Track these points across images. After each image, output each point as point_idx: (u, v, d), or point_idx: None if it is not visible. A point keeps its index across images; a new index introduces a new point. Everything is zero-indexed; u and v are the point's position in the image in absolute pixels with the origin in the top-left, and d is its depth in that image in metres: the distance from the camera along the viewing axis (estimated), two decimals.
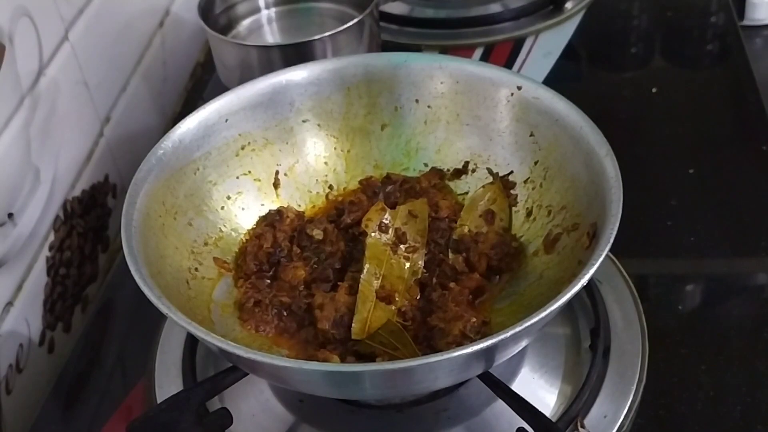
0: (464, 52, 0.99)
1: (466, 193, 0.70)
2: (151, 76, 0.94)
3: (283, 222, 0.67)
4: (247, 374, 0.57)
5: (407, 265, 0.63)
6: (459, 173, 0.70)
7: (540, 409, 0.54)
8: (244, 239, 0.68)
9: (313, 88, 0.71)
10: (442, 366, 0.49)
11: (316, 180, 0.72)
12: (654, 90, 0.93)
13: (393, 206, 0.66)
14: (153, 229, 0.60)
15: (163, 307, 0.52)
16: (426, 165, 0.72)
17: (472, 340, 0.54)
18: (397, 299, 0.61)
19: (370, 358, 0.58)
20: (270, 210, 0.69)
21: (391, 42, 0.99)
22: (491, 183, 0.68)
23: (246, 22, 0.96)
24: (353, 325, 0.59)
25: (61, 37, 0.76)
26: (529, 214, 0.66)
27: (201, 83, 1.06)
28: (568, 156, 0.62)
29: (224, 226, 0.67)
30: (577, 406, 0.59)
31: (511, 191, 0.67)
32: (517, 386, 0.61)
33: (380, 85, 0.72)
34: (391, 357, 0.57)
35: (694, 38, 1.04)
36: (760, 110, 0.87)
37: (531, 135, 0.66)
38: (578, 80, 0.97)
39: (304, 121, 0.72)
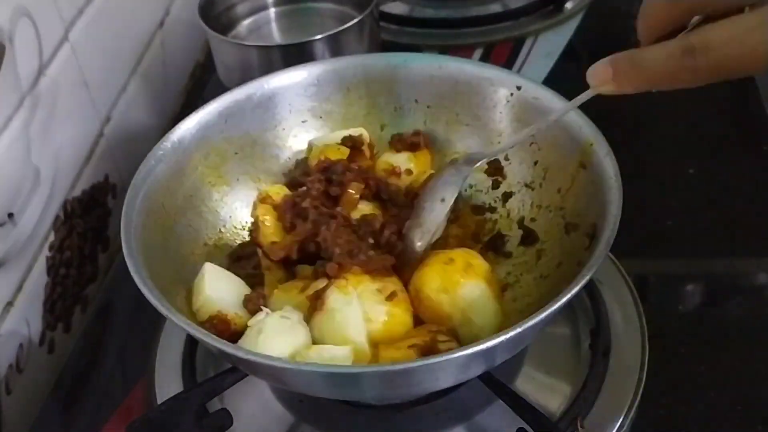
0: (464, 52, 0.99)
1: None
2: (151, 76, 0.94)
3: None
4: (247, 375, 0.57)
5: None
6: None
7: (540, 410, 0.54)
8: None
9: (313, 89, 0.71)
10: (442, 367, 0.49)
11: None
12: (654, 90, 0.93)
13: None
14: (152, 230, 0.60)
15: (162, 308, 0.52)
16: None
17: None
18: None
19: None
20: None
21: (391, 42, 0.99)
22: None
23: (246, 22, 0.96)
24: None
25: (61, 37, 0.76)
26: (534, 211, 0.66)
27: (201, 83, 1.06)
28: (567, 156, 0.62)
29: (223, 227, 0.67)
30: (577, 406, 0.59)
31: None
32: (517, 386, 0.61)
33: (380, 86, 0.72)
34: None
35: None
36: (760, 110, 0.87)
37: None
38: (578, 80, 0.97)
39: (303, 122, 0.72)
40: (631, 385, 0.61)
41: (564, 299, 0.49)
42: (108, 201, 0.84)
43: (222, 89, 0.70)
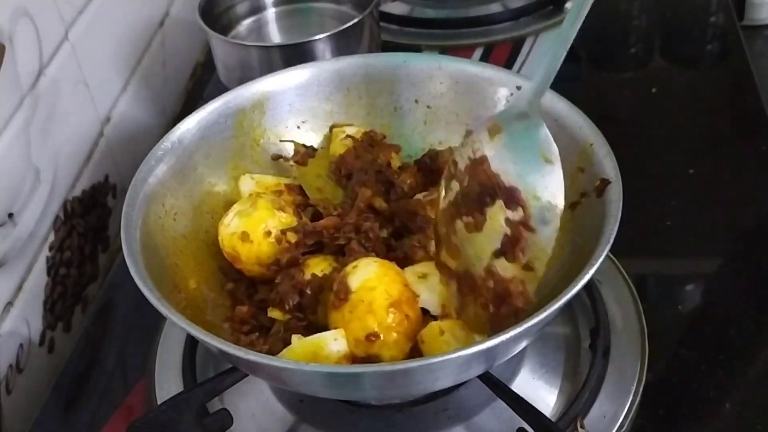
0: (464, 52, 0.99)
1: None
2: (151, 77, 0.94)
3: None
4: (247, 375, 0.57)
5: None
6: None
7: (540, 410, 0.54)
8: None
9: (313, 89, 0.71)
10: (442, 367, 0.49)
11: None
12: (654, 90, 0.93)
13: None
14: (153, 230, 0.60)
15: (162, 308, 0.52)
16: None
17: None
18: None
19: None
20: None
21: (391, 42, 0.99)
22: None
23: (246, 22, 0.96)
24: None
25: (61, 37, 0.76)
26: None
27: (201, 83, 1.06)
28: (567, 156, 0.62)
29: None
30: (577, 406, 0.59)
31: None
32: (516, 386, 0.61)
33: (380, 86, 0.72)
34: None
35: (694, 38, 1.04)
36: (760, 110, 0.87)
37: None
38: (578, 80, 0.97)
39: (303, 122, 0.72)
40: (631, 385, 0.62)
41: (564, 299, 0.49)
42: (108, 201, 0.84)
43: (222, 89, 0.70)
